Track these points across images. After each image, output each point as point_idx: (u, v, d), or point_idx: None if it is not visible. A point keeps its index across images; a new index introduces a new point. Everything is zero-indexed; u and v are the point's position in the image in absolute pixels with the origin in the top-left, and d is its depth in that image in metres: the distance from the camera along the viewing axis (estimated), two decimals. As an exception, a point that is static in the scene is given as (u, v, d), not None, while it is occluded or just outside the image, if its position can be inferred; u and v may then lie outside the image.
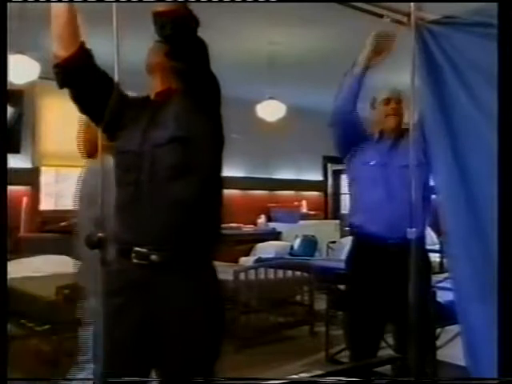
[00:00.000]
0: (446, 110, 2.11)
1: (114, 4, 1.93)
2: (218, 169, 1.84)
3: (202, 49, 1.68)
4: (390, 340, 2.96)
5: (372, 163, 2.70)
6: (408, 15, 2.17)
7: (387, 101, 2.77)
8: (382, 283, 2.63)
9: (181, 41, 1.62)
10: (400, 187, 2.63)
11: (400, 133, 2.74)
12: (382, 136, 2.77)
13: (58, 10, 1.77)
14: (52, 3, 1.77)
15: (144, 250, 1.67)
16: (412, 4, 2.16)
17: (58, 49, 1.81)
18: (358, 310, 2.77)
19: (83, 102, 1.84)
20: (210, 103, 1.79)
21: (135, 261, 1.68)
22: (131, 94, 1.92)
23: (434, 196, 2.71)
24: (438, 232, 5.73)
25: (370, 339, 2.71)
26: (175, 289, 1.69)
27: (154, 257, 1.67)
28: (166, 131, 1.72)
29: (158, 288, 1.69)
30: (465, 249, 2.04)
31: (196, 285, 1.72)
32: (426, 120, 2.19)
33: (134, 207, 1.71)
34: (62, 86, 1.82)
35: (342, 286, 3.59)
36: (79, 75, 1.79)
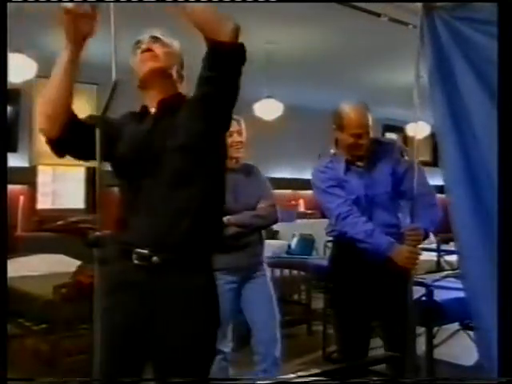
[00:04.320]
0: (457, 106, 2.07)
1: (112, 4, 1.92)
2: (222, 176, 1.86)
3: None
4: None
5: (353, 196, 2.66)
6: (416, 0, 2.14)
7: (353, 124, 2.63)
8: (363, 283, 2.64)
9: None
10: (379, 197, 2.67)
11: (368, 152, 2.69)
12: (349, 162, 2.70)
13: (54, 94, 1.71)
14: (47, 86, 1.73)
15: (145, 251, 1.70)
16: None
17: (47, 127, 1.75)
18: (342, 310, 2.79)
19: (85, 157, 1.84)
20: (225, 112, 1.80)
21: (136, 262, 1.71)
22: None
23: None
24: (435, 231, 5.74)
25: (357, 338, 2.73)
26: (174, 290, 1.72)
27: (155, 258, 1.70)
28: (175, 139, 1.74)
29: (158, 288, 1.72)
30: (476, 247, 2.02)
31: (194, 286, 1.75)
32: (436, 115, 2.14)
33: (137, 211, 1.74)
34: (59, 156, 1.81)
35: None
36: (74, 145, 1.79)
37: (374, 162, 2.70)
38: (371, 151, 2.71)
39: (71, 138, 1.75)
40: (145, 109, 1.85)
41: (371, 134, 2.67)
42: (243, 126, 3.02)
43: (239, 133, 2.97)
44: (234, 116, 2.99)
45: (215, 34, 1.62)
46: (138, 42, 1.85)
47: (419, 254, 2.52)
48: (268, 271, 3.12)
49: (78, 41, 1.65)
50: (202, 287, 1.78)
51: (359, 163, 2.70)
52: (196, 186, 1.74)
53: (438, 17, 2.12)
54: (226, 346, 2.93)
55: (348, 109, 2.64)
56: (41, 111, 1.75)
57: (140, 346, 1.75)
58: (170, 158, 1.73)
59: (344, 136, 2.66)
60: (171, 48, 1.85)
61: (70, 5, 1.56)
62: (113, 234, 1.63)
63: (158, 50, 1.81)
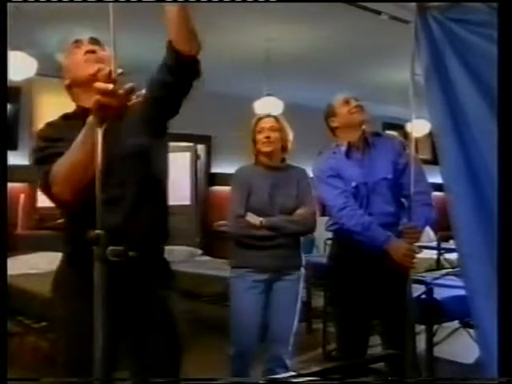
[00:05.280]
0: (453, 104, 2.07)
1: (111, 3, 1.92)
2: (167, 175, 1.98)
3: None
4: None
5: (353, 184, 2.72)
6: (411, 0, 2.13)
7: (346, 101, 2.80)
8: (362, 280, 2.66)
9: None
10: (379, 193, 2.68)
11: (365, 138, 2.78)
12: (350, 149, 2.78)
13: (83, 167, 1.60)
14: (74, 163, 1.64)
15: (120, 248, 1.71)
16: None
17: (71, 198, 1.70)
18: (342, 307, 2.80)
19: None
20: (175, 112, 1.87)
21: (112, 258, 1.72)
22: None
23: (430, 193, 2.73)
24: (436, 229, 5.75)
25: (356, 336, 2.73)
26: (150, 282, 1.83)
27: (132, 253, 1.72)
28: (134, 140, 1.80)
29: (134, 283, 1.79)
30: (477, 245, 2.01)
31: (166, 278, 1.90)
32: (433, 113, 2.14)
33: (108, 210, 1.72)
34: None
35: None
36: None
37: (375, 149, 2.77)
38: (372, 141, 2.79)
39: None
40: (87, 111, 1.75)
41: (368, 117, 2.78)
42: (283, 123, 3.04)
43: (272, 129, 2.98)
44: (272, 113, 3.06)
45: (184, 45, 1.66)
46: (77, 42, 1.85)
47: (417, 252, 2.53)
48: (302, 276, 3.03)
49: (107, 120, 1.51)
50: (171, 278, 1.93)
51: (359, 149, 2.76)
52: (156, 184, 1.85)
53: (431, 17, 2.12)
54: (252, 347, 2.91)
55: (334, 97, 2.84)
56: (65, 184, 1.67)
57: (119, 343, 1.80)
58: (131, 158, 1.78)
59: (337, 118, 2.79)
60: (107, 51, 1.84)
61: (108, 86, 1.39)
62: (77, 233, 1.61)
63: (99, 52, 1.82)
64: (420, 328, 3.15)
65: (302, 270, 3.02)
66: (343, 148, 2.79)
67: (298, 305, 2.98)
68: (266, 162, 3.01)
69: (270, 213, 2.89)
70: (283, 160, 3.05)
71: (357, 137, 2.76)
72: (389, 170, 2.70)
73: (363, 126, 2.79)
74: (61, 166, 1.68)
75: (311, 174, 2.93)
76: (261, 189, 2.93)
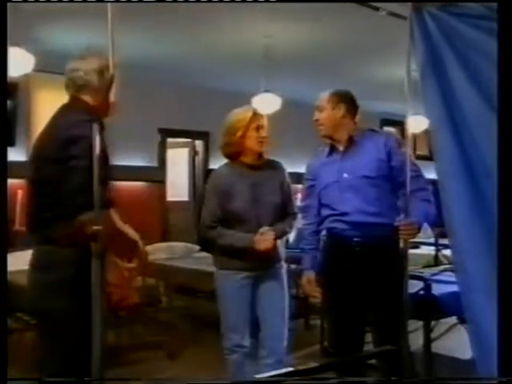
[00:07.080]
0: (449, 100, 2.07)
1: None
2: None
3: None
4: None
5: (322, 185, 2.78)
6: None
7: (316, 106, 2.86)
8: (354, 276, 2.67)
9: None
10: (364, 190, 2.68)
11: (351, 136, 2.78)
12: (333, 148, 2.83)
13: None
14: None
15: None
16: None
17: None
18: (333, 304, 2.81)
19: None
20: None
21: None
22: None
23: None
24: (433, 225, 5.75)
25: (348, 333, 2.74)
26: None
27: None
28: None
29: None
30: (474, 242, 2.01)
31: None
32: (429, 109, 2.14)
33: None
34: None
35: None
36: None
37: (360, 147, 2.74)
38: (359, 139, 2.77)
39: None
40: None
41: (331, 111, 2.81)
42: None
43: (263, 128, 2.93)
44: (259, 111, 2.99)
45: None
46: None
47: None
48: (284, 266, 3.06)
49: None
50: None
51: (341, 148, 2.78)
52: None
53: (427, 12, 2.12)
54: (246, 340, 2.92)
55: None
56: None
57: None
58: None
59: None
60: None
61: None
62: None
63: None
64: (418, 324, 3.16)
65: (283, 263, 3.04)
66: (327, 148, 2.84)
67: (286, 298, 2.97)
68: (248, 161, 2.94)
69: (255, 211, 2.87)
70: (260, 156, 2.97)
71: (340, 136, 2.77)
72: (372, 169, 2.66)
73: (352, 127, 2.78)
74: None
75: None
76: (242, 188, 2.88)
